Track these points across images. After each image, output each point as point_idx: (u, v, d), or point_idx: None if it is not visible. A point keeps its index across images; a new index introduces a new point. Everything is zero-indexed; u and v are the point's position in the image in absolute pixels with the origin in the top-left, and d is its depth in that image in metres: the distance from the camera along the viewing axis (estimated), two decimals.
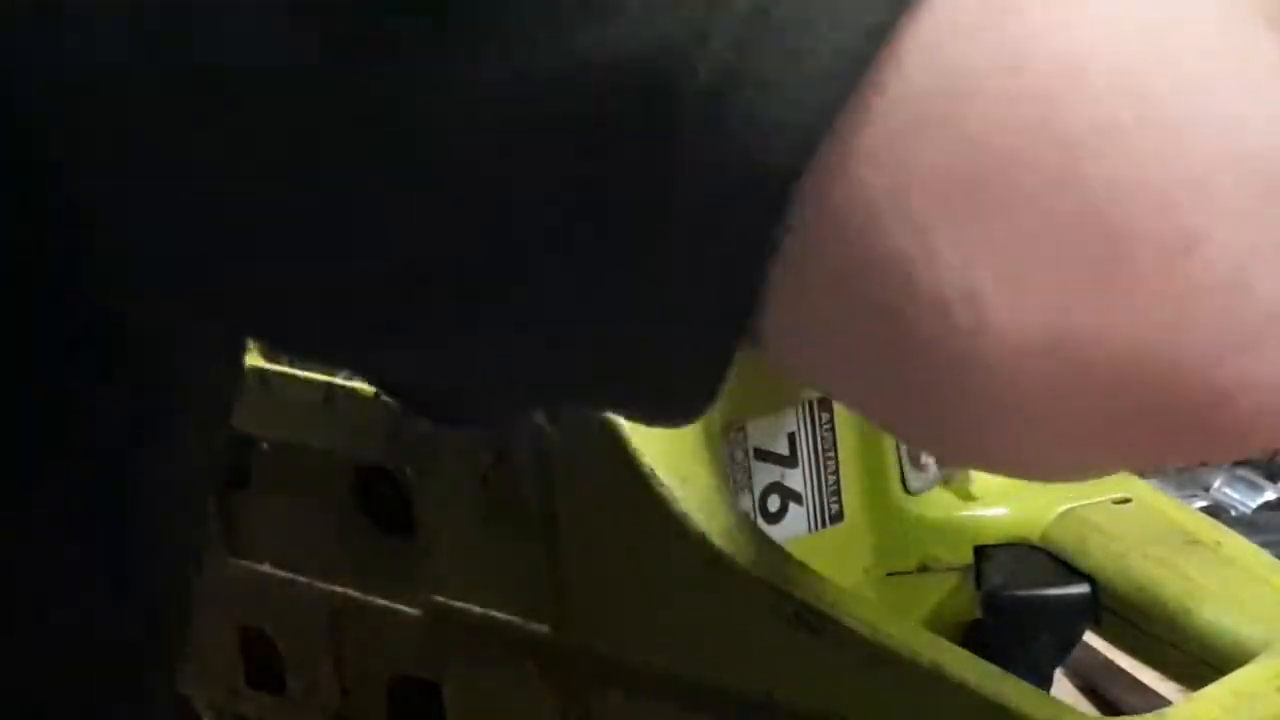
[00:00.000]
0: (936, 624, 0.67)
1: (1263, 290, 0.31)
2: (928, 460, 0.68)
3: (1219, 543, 0.65)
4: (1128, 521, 0.66)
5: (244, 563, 0.77)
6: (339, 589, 0.74)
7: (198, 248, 0.36)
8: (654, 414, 0.36)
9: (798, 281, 0.32)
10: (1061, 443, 0.34)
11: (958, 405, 0.33)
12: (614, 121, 0.31)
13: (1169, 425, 0.32)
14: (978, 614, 0.68)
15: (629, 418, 0.39)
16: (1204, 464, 0.92)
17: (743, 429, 0.64)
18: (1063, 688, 0.76)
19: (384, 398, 0.68)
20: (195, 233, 0.36)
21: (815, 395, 0.65)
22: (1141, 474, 0.69)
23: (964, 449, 0.36)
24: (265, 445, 0.75)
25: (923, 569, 0.69)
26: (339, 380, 0.70)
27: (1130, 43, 0.31)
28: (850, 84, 0.30)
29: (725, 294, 0.32)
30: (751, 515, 0.65)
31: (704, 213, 0.31)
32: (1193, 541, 0.65)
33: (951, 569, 0.69)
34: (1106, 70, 0.30)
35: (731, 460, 0.64)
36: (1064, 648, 0.68)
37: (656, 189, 0.31)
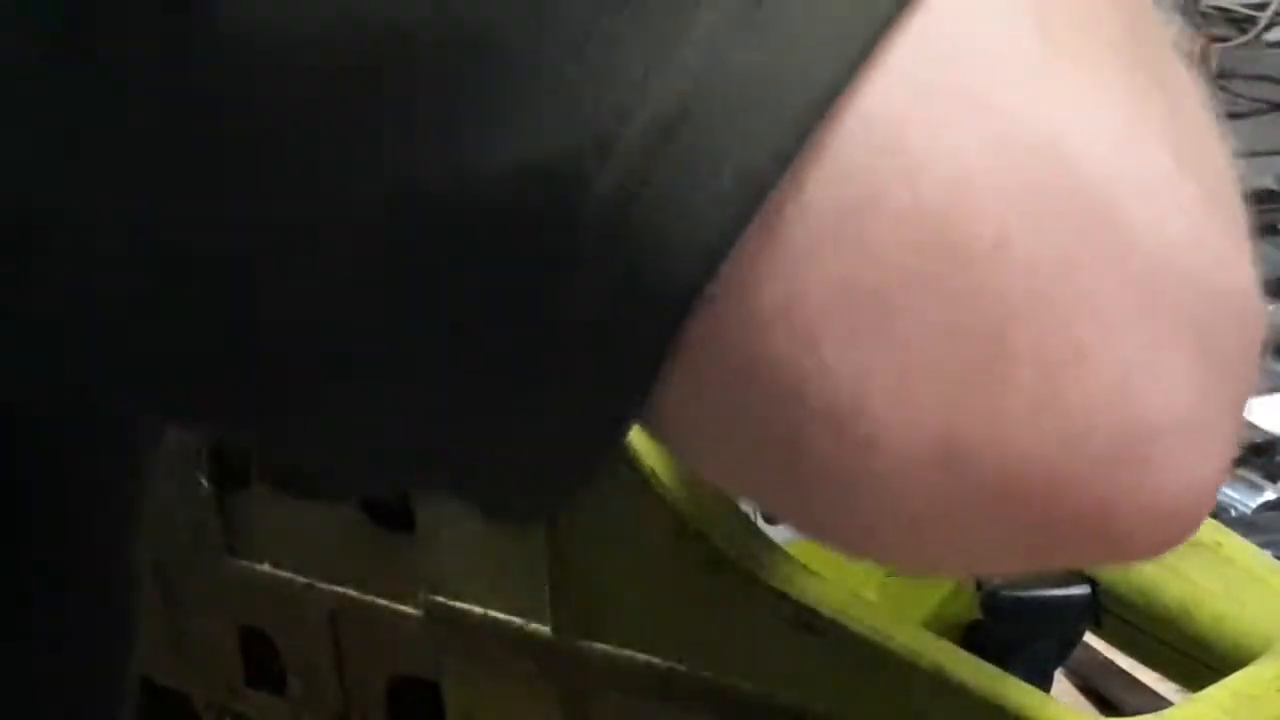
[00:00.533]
0: (937, 625, 0.67)
1: (1147, 402, 0.31)
2: None
3: (1219, 543, 0.65)
4: None
5: (243, 563, 0.77)
6: (339, 589, 0.74)
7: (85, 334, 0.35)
8: (504, 512, 0.36)
9: (688, 387, 0.32)
10: (951, 547, 0.34)
11: (847, 510, 0.33)
12: (513, 226, 0.30)
13: (1055, 535, 0.32)
14: (978, 615, 0.68)
15: (478, 507, 0.38)
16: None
17: None
18: (1063, 688, 0.76)
19: None
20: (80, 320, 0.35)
21: None
22: None
23: (855, 547, 0.35)
24: None
25: None
26: None
27: (1022, 155, 0.30)
28: (752, 207, 0.30)
29: (603, 413, 0.32)
30: (752, 516, 0.64)
31: (596, 323, 0.31)
32: (1193, 542, 0.65)
33: None
34: (998, 185, 0.30)
35: None
36: (1064, 648, 0.68)
37: (551, 294, 0.31)
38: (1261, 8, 1.60)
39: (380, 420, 0.34)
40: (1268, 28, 1.61)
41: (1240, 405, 0.33)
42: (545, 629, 0.66)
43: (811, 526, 0.35)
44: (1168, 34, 0.34)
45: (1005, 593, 0.67)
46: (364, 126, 0.30)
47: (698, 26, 0.30)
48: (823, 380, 0.31)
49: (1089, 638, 0.68)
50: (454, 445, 0.34)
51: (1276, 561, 0.65)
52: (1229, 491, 0.94)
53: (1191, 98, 0.33)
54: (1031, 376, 0.31)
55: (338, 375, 0.34)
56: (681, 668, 0.62)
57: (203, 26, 0.30)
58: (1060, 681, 0.73)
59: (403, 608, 0.71)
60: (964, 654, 0.58)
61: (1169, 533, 0.33)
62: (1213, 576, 0.63)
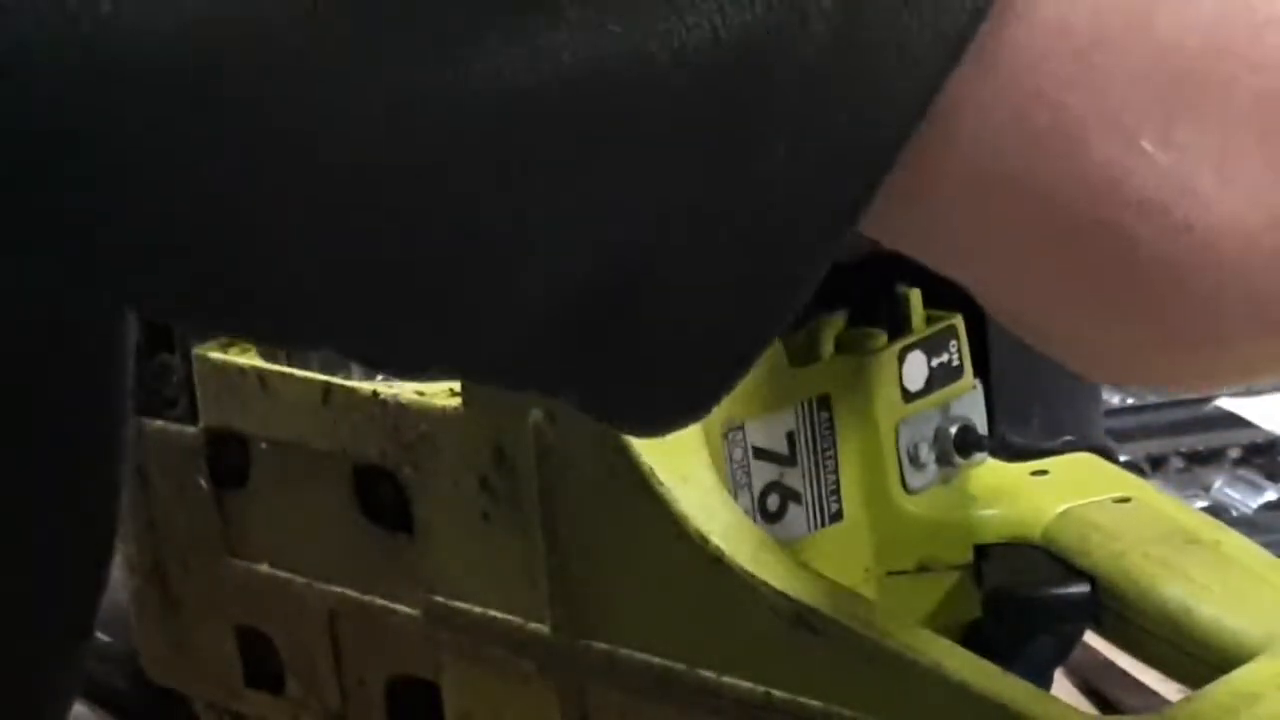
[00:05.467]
0: (936, 623, 0.67)
1: None
2: (928, 459, 0.68)
3: (1219, 541, 0.65)
4: (1128, 520, 0.66)
5: (242, 563, 0.77)
6: (337, 589, 0.74)
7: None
8: (646, 410, 0.36)
9: (991, 214, 0.33)
10: None
11: (1175, 312, 0.33)
12: (703, 103, 0.31)
13: None
14: (978, 613, 0.68)
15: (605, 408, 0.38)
16: None
17: (741, 428, 0.64)
18: (1063, 687, 0.76)
19: (383, 396, 0.68)
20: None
21: (814, 394, 0.65)
22: (1142, 473, 0.69)
23: (1175, 362, 0.35)
24: (264, 445, 0.75)
25: (922, 568, 0.68)
26: (337, 380, 0.70)
27: None
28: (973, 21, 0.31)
29: (797, 258, 0.33)
30: (750, 515, 0.64)
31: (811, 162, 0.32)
32: (1193, 540, 0.65)
33: (951, 568, 0.68)
34: None
35: (730, 459, 0.64)
36: (1064, 647, 0.68)
37: (750, 159, 0.31)
38: None
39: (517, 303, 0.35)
40: None
41: None
42: (545, 628, 0.66)
43: (1120, 354, 0.35)
44: None
45: (1005, 592, 0.67)
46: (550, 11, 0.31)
47: None
48: (1147, 172, 0.31)
49: (1088, 636, 0.68)
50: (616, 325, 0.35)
51: (1277, 560, 0.65)
52: (1229, 491, 0.94)
53: None
54: None
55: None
56: (681, 667, 0.62)
57: None
58: (1060, 681, 0.73)
59: (401, 607, 0.71)
60: (964, 653, 0.58)
61: None
62: (1212, 574, 0.63)
